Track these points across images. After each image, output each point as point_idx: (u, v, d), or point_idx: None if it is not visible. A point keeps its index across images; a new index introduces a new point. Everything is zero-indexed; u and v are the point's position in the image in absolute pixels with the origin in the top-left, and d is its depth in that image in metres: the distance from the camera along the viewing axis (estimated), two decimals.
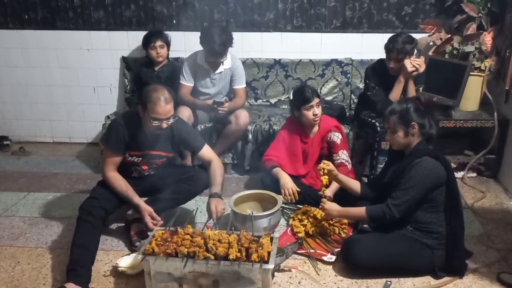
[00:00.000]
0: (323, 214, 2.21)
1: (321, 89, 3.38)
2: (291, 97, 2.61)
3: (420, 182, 1.88)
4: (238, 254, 1.72)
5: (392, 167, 2.07)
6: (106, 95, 3.64)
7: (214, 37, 2.70)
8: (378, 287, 1.92)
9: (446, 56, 2.92)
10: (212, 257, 1.73)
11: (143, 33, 3.18)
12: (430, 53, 2.97)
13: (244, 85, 3.06)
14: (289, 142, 2.65)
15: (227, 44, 2.78)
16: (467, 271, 1.98)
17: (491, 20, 2.95)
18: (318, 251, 2.14)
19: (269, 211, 2.23)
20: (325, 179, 2.19)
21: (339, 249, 2.10)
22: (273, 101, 3.46)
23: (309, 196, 2.49)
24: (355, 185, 2.21)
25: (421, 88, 2.78)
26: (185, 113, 2.84)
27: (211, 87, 3.00)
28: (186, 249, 1.74)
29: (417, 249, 1.93)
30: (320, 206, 2.18)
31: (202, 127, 3.05)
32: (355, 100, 3.30)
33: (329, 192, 2.31)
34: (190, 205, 2.42)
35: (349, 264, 2.00)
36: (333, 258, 2.08)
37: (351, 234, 2.26)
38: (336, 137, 2.58)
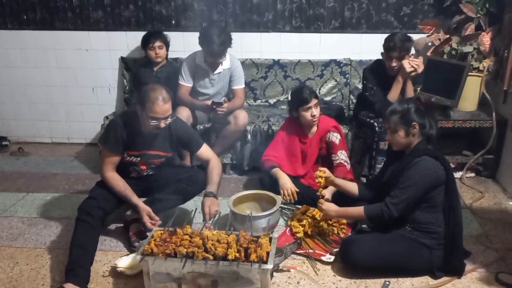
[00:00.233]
0: (322, 214, 2.22)
1: (320, 89, 3.39)
2: (290, 98, 2.62)
3: (419, 181, 1.89)
4: (237, 254, 1.72)
5: (391, 167, 2.08)
6: (105, 96, 3.64)
7: (213, 38, 2.71)
8: (376, 287, 1.93)
9: (445, 56, 2.92)
10: (211, 257, 1.73)
11: (142, 33, 3.18)
12: (428, 54, 2.97)
13: (243, 86, 3.06)
14: (288, 143, 2.65)
15: (226, 44, 2.78)
16: (466, 271, 1.98)
17: (490, 21, 2.95)
18: (317, 251, 2.14)
19: (268, 211, 2.23)
20: (322, 180, 2.20)
21: (337, 249, 2.11)
22: (272, 101, 3.46)
23: (308, 196, 2.49)
24: (353, 187, 2.21)
25: (419, 88, 2.78)
26: (184, 113, 2.84)
27: (210, 88, 3.00)
28: (185, 250, 1.74)
29: (415, 249, 1.94)
30: (318, 207, 2.18)
31: (201, 127, 3.05)
32: (354, 101, 3.30)
33: (327, 192, 2.31)
34: (189, 205, 2.42)
35: (347, 264, 2.00)
36: (332, 258, 2.08)
37: (349, 234, 2.26)
38: (335, 137, 2.58)
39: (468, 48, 2.86)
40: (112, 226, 2.41)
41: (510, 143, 2.84)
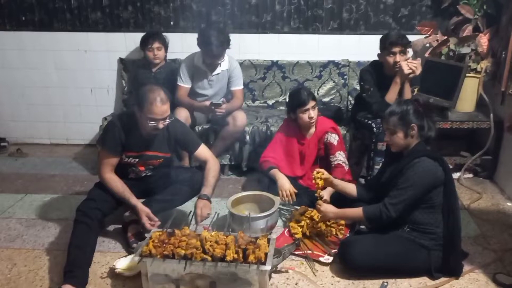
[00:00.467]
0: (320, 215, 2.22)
1: (318, 90, 3.39)
2: (287, 100, 2.62)
3: (418, 182, 1.89)
4: (235, 256, 1.72)
5: (390, 168, 2.08)
6: (103, 97, 3.64)
7: (211, 39, 2.71)
8: None
9: (442, 57, 2.93)
10: (209, 258, 1.73)
11: (141, 34, 3.18)
12: (426, 55, 2.98)
13: (242, 87, 3.06)
14: (286, 144, 2.65)
15: (224, 45, 2.79)
16: (463, 272, 1.99)
17: (487, 22, 2.96)
18: (315, 252, 2.14)
19: (266, 212, 2.23)
20: (320, 181, 2.20)
21: (336, 250, 2.11)
22: (270, 102, 3.47)
23: (306, 197, 2.49)
24: (351, 188, 2.22)
25: (416, 89, 2.79)
26: (183, 114, 2.84)
27: (208, 89, 3.01)
28: (183, 251, 1.75)
29: (413, 250, 1.94)
30: (316, 208, 2.19)
31: (200, 128, 3.05)
32: (352, 102, 3.31)
33: (325, 194, 2.31)
34: (187, 206, 2.42)
35: (346, 265, 2.00)
36: (330, 259, 2.09)
37: (348, 235, 2.26)
38: (333, 138, 2.58)
39: (465, 50, 2.87)
40: (111, 228, 2.41)
41: (507, 144, 2.85)
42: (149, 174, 2.34)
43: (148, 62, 3.18)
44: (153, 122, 2.06)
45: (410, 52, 2.95)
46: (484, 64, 2.84)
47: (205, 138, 2.98)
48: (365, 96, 2.80)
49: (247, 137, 3.01)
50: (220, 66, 2.92)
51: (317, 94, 3.37)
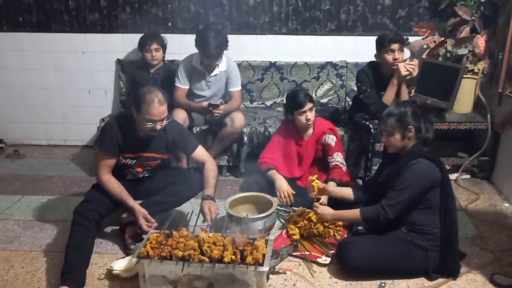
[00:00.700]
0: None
1: (316, 91, 3.40)
2: (285, 101, 2.62)
3: (415, 183, 1.90)
4: (233, 257, 1.72)
5: (387, 169, 2.09)
6: (101, 98, 3.64)
7: (209, 40, 2.71)
8: None
9: (440, 59, 2.94)
10: (207, 259, 1.73)
11: (139, 35, 3.17)
12: (423, 56, 2.99)
13: (240, 88, 3.06)
14: (284, 145, 2.65)
15: (222, 46, 2.79)
16: (461, 272, 1.99)
17: (484, 23, 2.97)
18: (313, 253, 2.14)
19: (264, 213, 2.23)
20: (316, 184, 2.21)
21: (334, 251, 2.11)
22: (268, 103, 3.47)
23: (304, 198, 2.49)
24: (348, 192, 2.22)
25: (413, 90, 2.80)
26: (181, 115, 2.84)
27: (206, 90, 3.01)
28: (181, 252, 1.74)
29: (411, 251, 1.94)
30: (313, 210, 2.19)
31: (198, 129, 3.05)
32: (350, 103, 3.31)
33: (322, 196, 2.31)
34: (185, 207, 2.42)
35: (344, 266, 2.00)
36: (328, 260, 2.09)
37: (346, 236, 2.26)
38: (331, 139, 2.59)
39: (463, 51, 2.88)
40: (108, 229, 2.41)
41: (505, 145, 2.86)
42: (146, 175, 2.34)
43: (146, 63, 3.18)
44: (150, 123, 2.06)
45: (407, 53, 2.96)
46: (481, 65, 2.85)
47: (203, 139, 2.98)
48: (362, 97, 2.81)
49: (245, 138, 3.01)
50: (218, 67, 2.92)
51: (315, 95, 3.38)
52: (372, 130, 2.74)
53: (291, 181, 2.58)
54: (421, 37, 3.10)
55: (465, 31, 2.97)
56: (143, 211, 2.14)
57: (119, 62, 3.49)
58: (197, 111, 2.99)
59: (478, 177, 3.04)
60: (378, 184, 2.10)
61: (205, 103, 2.89)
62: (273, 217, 2.30)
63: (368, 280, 1.96)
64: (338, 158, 2.57)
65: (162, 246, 1.79)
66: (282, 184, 2.48)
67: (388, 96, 2.69)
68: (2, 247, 2.27)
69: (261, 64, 3.40)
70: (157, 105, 2.03)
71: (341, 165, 2.56)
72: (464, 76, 2.78)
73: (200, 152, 2.32)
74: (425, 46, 3.09)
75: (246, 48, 3.40)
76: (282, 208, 2.54)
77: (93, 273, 2.03)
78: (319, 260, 2.09)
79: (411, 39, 3.07)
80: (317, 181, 2.23)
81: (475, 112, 2.97)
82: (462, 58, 2.88)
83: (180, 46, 3.36)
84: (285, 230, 2.34)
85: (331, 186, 2.30)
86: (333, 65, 3.38)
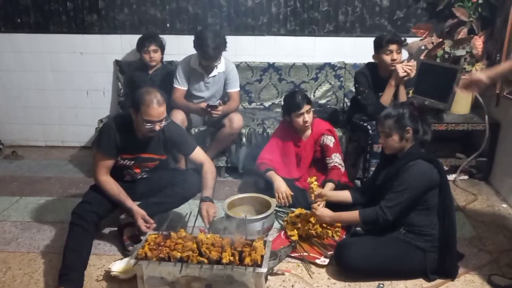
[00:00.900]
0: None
1: (314, 92, 3.40)
2: (282, 103, 2.63)
3: (414, 185, 1.90)
4: (231, 258, 1.72)
5: (385, 170, 2.09)
6: (99, 99, 3.63)
7: (207, 41, 2.71)
8: None
9: (438, 60, 2.95)
10: (206, 261, 1.73)
11: (137, 36, 3.17)
12: (421, 57, 3.00)
13: (238, 89, 3.06)
14: (283, 146, 2.66)
15: (220, 48, 2.79)
16: (459, 273, 1.99)
17: (482, 25, 2.99)
18: (311, 254, 2.14)
19: (262, 214, 2.23)
20: (315, 185, 2.21)
21: (332, 252, 2.11)
22: (267, 104, 3.47)
23: (303, 199, 2.49)
24: (346, 196, 2.22)
25: (411, 91, 2.81)
26: (179, 116, 2.84)
27: (205, 91, 3.01)
28: (179, 254, 1.74)
29: (409, 252, 1.95)
30: (311, 212, 2.19)
31: (196, 130, 3.05)
32: (348, 104, 3.32)
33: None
34: (183, 208, 2.41)
35: (342, 267, 2.00)
36: (326, 261, 2.09)
37: (344, 237, 2.26)
38: (329, 140, 2.59)
39: (460, 52, 2.89)
40: (106, 230, 2.40)
41: (503, 146, 2.86)
42: (144, 176, 2.34)
43: (144, 64, 3.18)
44: (149, 124, 2.06)
45: (405, 54, 2.96)
46: (479, 66, 2.86)
47: (201, 140, 2.97)
48: (360, 98, 2.81)
49: (244, 139, 3.02)
50: (216, 68, 2.92)
51: (313, 96, 3.38)
52: (370, 131, 2.74)
53: (290, 182, 2.58)
54: (419, 38, 3.11)
55: (462, 32, 2.99)
56: (142, 212, 2.13)
57: (117, 63, 3.49)
58: (195, 112, 2.99)
59: (476, 178, 3.05)
60: (376, 186, 2.10)
61: (203, 104, 2.89)
62: (271, 218, 2.30)
63: (366, 281, 1.96)
64: (336, 159, 2.57)
65: (160, 248, 1.78)
66: (281, 185, 2.48)
67: (386, 97, 2.69)
68: (0, 249, 2.26)
69: (259, 65, 3.41)
70: (156, 106, 2.03)
71: (340, 166, 2.56)
72: (462, 77, 2.78)
73: (199, 153, 2.32)
74: (423, 47, 3.10)
75: (245, 49, 3.41)
76: (280, 209, 2.54)
77: (91, 275, 2.03)
78: (317, 261, 2.09)
79: (409, 40, 3.08)
80: (315, 182, 2.22)
81: (472, 113, 2.98)
82: (460, 59, 2.89)
83: (179, 47, 3.36)
84: (283, 231, 2.34)
85: (329, 191, 2.29)
86: (331, 66, 3.38)
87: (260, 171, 2.60)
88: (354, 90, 3.23)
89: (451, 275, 1.97)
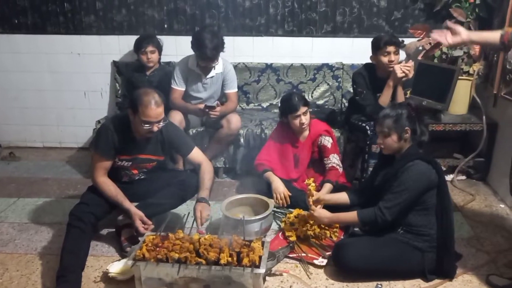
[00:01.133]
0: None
1: (312, 93, 3.41)
2: (279, 104, 2.63)
3: (412, 186, 1.90)
4: (229, 259, 1.72)
5: (383, 171, 2.09)
6: (97, 100, 3.63)
7: (205, 42, 2.71)
8: None
9: (435, 60, 2.95)
10: (204, 262, 1.73)
11: (134, 37, 3.17)
12: (419, 58, 3.00)
13: (236, 90, 3.06)
14: (280, 146, 2.66)
15: (218, 48, 2.79)
16: (457, 273, 2.00)
17: (479, 25, 2.99)
18: (309, 255, 2.14)
19: (260, 215, 2.23)
20: (312, 187, 2.21)
21: (330, 252, 2.11)
22: (264, 105, 3.47)
23: (300, 200, 2.49)
24: (344, 198, 2.22)
25: (408, 92, 2.81)
26: (177, 117, 2.84)
27: (202, 92, 3.00)
28: (177, 255, 1.74)
29: (407, 252, 1.95)
30: (310, 214, 2.19)
31: (194, 131, 3.04)
32: (346, 104, 3.32)
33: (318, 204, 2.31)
34: (181, 209, 2.41)
35: (340, 268, 2.01)
36: (325, 261, 2.09)
37: (342, 237, 2.26)
38: (327, 141, 2.59)
39: (458, 52, 2.89)
40: (104, 231, 2.40)
41: (500, 146, 2.87)
42: (142, 177, 2.33)
43: (142, 65, 3.17)
44: (147, 125, 2.05)
45: (402, 55, 2.96)
46: (477, 67, 2.87)
47: (199, 141, 2.97)
48: (358, 99, 2.82)
49: (242, 140, 3.01)
50: (214, 69, 2.92)
51: (311, 96, 3.39)
52: (368, 131, 2.75)
53: (288, 183, 2.58)
54: (417, 39, 3.11)
55: None
56: (139, 213, 2.13)
57: (115, 64, 3.48)
58: (193, 113, 2.99)
59: (473, 178, 3.05)
60: (375, 186, 2.11)
61: (201, 105, 2.89)
62: (269, 219, 2.30)
63: (364, 282, 1.96)
64: (334, 160, 2.57)
65: (158, 249, 1.78)
66: (279, 186, 2.48)
67: (384, 98, 2.70)
68: None
69: (257, 65, 3.41)
70: (154, 107, 2.03)
71: (337, 167, 2.56)
72: (460, 77, 2.80)
73: (196, 154, 2.32)
74: (420, 48, 3.10)
75: (242, 50, 3.40)
76: (278, 210, 2.54)
77: (88, 276, 2.02)
78: (315, 261, 2.09)
79: (407, 41, 3.08)
80: (313, 184, 2.22)
81: (470, 114, 2.98)
82: (457, 59, 2.90)
83: (176, 48, 3.36)
84: (281, 232, 2.34)
85: (327, 194, 2.29)
86: (329, 67, 3.38)
87: (258, 172, 2.60)
88: (352, 90, 3.23)
89: (449, 275, 1.98)
